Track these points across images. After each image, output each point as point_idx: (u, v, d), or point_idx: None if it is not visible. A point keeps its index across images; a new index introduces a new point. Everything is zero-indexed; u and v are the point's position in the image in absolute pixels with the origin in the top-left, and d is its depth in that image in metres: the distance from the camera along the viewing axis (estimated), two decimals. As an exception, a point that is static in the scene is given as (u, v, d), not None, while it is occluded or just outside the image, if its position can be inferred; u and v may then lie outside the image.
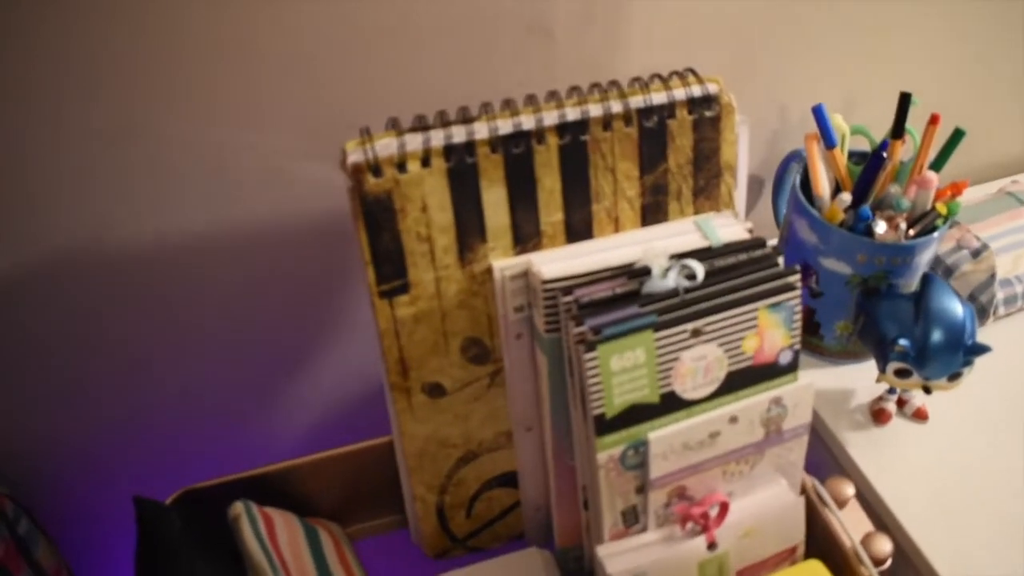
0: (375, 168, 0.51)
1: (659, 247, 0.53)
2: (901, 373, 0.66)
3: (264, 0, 0.56)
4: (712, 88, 0.56)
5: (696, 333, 0.52)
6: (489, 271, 0.56)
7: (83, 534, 0.76)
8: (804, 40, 0.76)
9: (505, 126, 0.52)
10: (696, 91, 0.55)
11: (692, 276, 0.52)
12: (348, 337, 0.75)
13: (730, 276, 0.53)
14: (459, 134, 0.52)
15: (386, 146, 0.51)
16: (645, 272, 0.52)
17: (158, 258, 0.64)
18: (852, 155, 0.73)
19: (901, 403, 0.73)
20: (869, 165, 0.69)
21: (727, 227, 0.56)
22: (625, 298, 0.52)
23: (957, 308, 0.64)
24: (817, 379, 0.74)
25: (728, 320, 0.52)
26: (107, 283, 0.64)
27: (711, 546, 0.55)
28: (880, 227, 0.67)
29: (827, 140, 0.69)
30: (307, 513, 0.67)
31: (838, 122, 0.71)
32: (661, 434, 0.52)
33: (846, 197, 0.68)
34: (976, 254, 0.78)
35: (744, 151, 0.59)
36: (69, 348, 0.66)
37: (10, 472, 0.69)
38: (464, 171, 0.52)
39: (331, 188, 0.57)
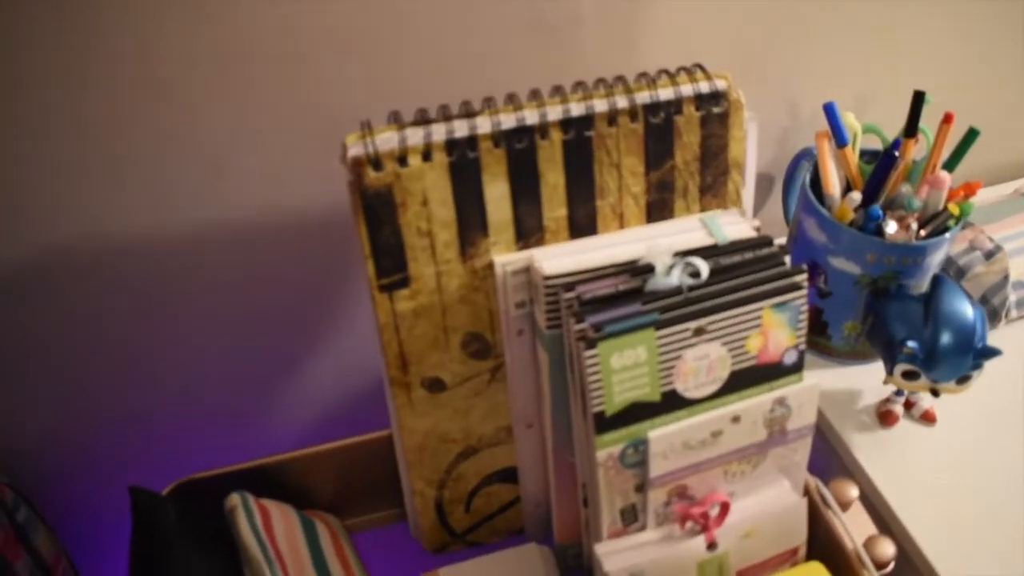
0: (375, 162, 0.50)
1: (663, 244, 0.53)
2: (909, 375, 0.65)
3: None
4: (720, 84, 0.55)
5: (699, 332, 0.51)
6: (491, 266, 0.55)
7: (82, 525, 0.76)
8: (815, 38, 0.75)
9: (508, 120, 0.52)
10: (704, 87, 0.54)
11: (696, 274, 0.51)
12: (348, 332, 0.75)
13: (735, 275, 0.52)
14: (461, 128, 0.51)
15: (387, 140, 0.50)
16: (648, 269, 0.52)
17: (156, 253, 0.64)
18: (863, 154, 0.72)
19: (909, 405, 0.72)
20: (881, 164, 0.68)
21: (733, 225, 0.56)
22: (628, 295, 0.51)
23: (967, 310, 0.63)
24: (824, 380, 0.74)
25: (732, 319, 0.52)
26: (106, 276, 0.64)
27: (711, 546, 0.55)
28: (891, 227, 0.66)
29: (838, 138, 0.69)
30: (306, 506, 0.67)
31: (850, 120, 0.70)
32: (661, 433, 0.52)
33: (856, 196, 0.67)
34: (989, 256, 0.77)
35: (753, 148, 0.59)
36: (68, 345, 0.66)
37: (9, 463, 0.69)
38: (466, 165, 0.52)
39: (330, 182, 0.57)
